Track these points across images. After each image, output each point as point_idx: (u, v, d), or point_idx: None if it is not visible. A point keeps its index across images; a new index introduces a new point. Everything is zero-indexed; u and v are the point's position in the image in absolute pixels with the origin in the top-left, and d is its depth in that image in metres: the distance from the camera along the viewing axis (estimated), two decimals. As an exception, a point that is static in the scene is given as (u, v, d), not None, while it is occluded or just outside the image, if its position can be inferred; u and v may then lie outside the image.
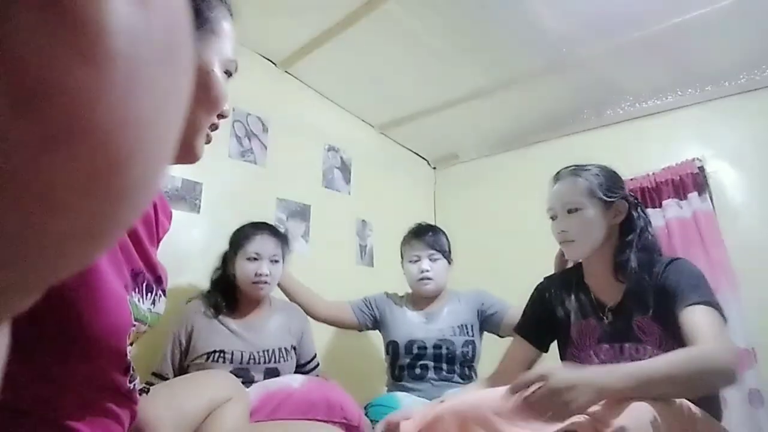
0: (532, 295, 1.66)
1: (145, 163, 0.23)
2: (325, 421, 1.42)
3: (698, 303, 1.20)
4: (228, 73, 0.73)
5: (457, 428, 1.06)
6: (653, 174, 2.59)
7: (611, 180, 1.50)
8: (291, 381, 1.62)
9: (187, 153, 0.72)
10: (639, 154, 2.71)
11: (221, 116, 0.75)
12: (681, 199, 2.48)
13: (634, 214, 1.47)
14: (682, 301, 1.23)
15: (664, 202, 2.52)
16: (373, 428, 1.69)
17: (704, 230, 2.37)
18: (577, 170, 1.51)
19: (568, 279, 1.59)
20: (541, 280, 1.68)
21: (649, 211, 2.57)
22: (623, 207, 1.46)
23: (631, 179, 2.66)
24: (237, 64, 0.74)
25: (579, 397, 0.97)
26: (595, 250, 1.44)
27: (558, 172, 1.56)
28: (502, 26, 2.23)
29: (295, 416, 1.42)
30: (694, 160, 2.50)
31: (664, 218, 2.52)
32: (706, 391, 1.13)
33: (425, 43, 2.37)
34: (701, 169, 2.49)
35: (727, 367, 1.07)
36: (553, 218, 1.52)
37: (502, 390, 1.05)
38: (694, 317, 1.18)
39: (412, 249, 2.13)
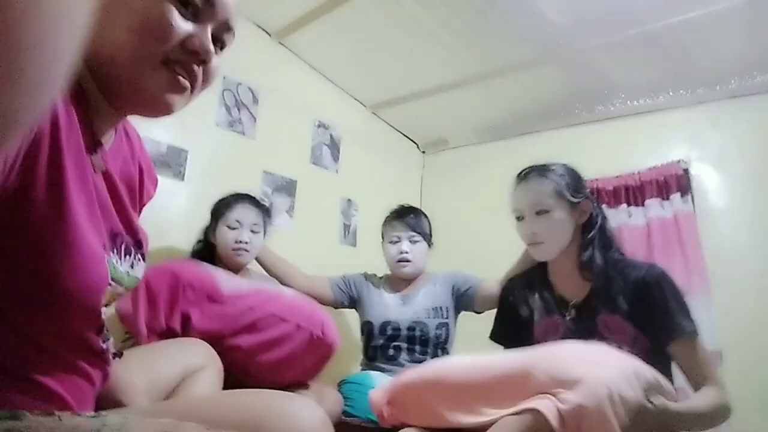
0: (499, 300, 1.69)
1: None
2: (303, 328, 1.47)
3: (691, 333, 1.25)
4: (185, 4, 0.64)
5: (430, 400, 1.08)
6: (638, 173, 2.62)
7: (576, 180, 1.51)
8: (283, 289, 1.73)
9: (138, 92, 0.65)
10: (627, 152, 2.74)
11: (192, 56, 0.66)
12: (664, 199, 2.52)
13: (594, 212, 1.49)
14: (675, 329, 1.25)
15: (647, 201, 2.56)
16: (345, 404, 1.71)
17: (684, 231, 2.41)
18: (542, 171, 1.50)
19: (531, 278, 1.60)
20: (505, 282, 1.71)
21: (632, 209, 2.61)
22: (588, 206, 1.47)
23: (617, 177, 2.69)
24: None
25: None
26: (564, 250, 1.45)
27: (522, 173, 1.55)
28: (501, 14, 2.21)
29: (280, 314, 1.47)
30: (679, 161, 2.53)
31: (646, 217, 2.55)
32: (711, 426, 1.19)
33: (422, 25, 2.34)
34: (686, 171, 2.52)
35: (729, 410, 1.20)
36: (519, 219, 1.52)
37: (472, 362, 1.07)
38: (694, 353, 1.23)
39: (393, 230, 2.13)
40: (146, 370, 1.03)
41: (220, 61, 0.73)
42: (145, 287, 1.41)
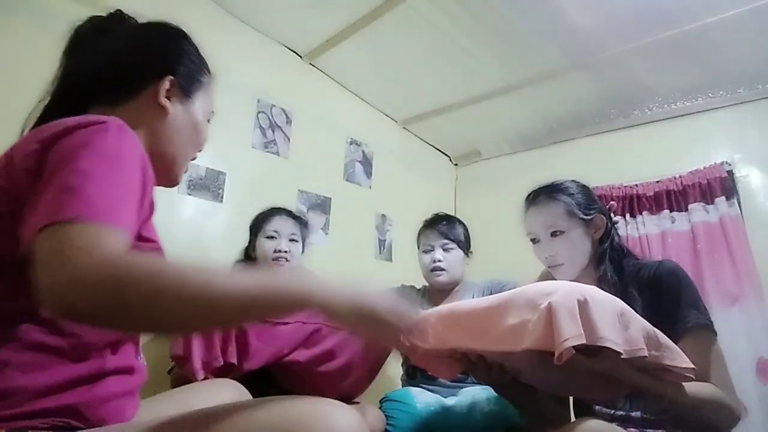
0: None
1: None
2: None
3: (701, 326, 1.18)
4: (208, 120, 0.96)
5: (440, 330, 1.11)
6: (680, 177, 2.54)
7: (587, 196, 1.46)
8: None
9: (172, 179, 0.93)
10: (666, 156, 2.66)
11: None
12: (708, 203, 2.43)
13: (608, 224, 1.44)
14: (685, 320, 1.19)
15: (690, 206, 2.48)
16: (387, 423, 1.69)
17: (731, 236, 2.32)
18: (551, 192, 1.46)
19: None
20: None
21: (675, 214, 2.53)
22: (601, 221, 1.43)
23: (657, 182, 2.62)
24: (213, 114, 0.98)
25: (621, 380, 1.01)
26: (584, 268, 1.41)
27: (531, 195, 1.51)
28: (530, 22, 2.20)
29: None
30: (722, 163, 2.45)
31: (690, 222, 2.47)
32: (703, 422, 1.12)
33: (450, 38, 2.35)
34: (730, 173, 2.44)
35: (735, 415, 1.13)
36: (534, 241, 1.49)
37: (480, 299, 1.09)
38: (702, 348, 1.15)
39: (426, 238, 2.10)
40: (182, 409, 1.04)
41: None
42: None
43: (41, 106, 0.85)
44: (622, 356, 0.90)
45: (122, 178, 0.64)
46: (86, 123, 0.67)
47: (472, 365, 1.18)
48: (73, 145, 0.64)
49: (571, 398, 1.39)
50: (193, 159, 0.97)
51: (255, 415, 0.63)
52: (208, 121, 0.97)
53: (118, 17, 0.92)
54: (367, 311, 0.73)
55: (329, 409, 0.64)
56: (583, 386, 1.14)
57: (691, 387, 1.07)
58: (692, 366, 1.00)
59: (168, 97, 0.86)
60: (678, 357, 1.01)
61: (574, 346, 0.86)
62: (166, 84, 0.86)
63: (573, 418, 1.33)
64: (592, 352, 1.00)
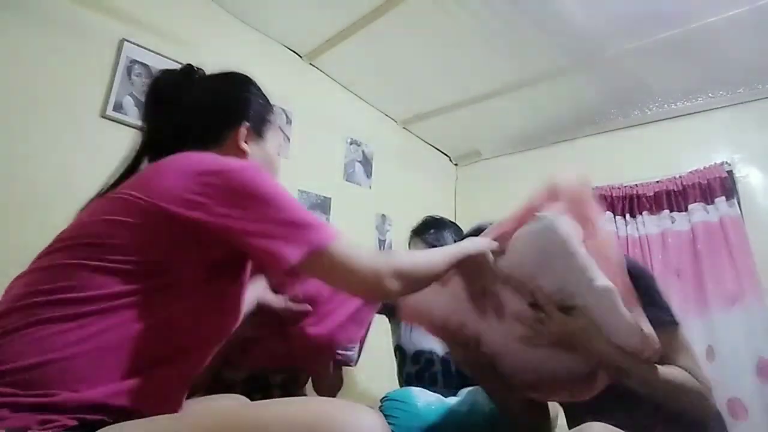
0: None
1: None
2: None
3: (670, 324, 1.18)
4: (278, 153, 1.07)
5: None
6: (680, 177, 2.55)
7: None
8: None
9: None
10: (666, 156, 2.67)
11: None
12: (708, 204, 2.43)
13: None
14: (659, 320, 1.18)
15: (690, 206, 2.48)
16: (388, 422, 1.68)
17: (731, 236, 2.32)
18: None
19: None
20: None
21: (675, 214, 2.53)
22: None
23: (657, 181, 2.62)
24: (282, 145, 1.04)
25: (592, 345, 1.08)
26: None
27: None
28: (530, 23, 2.20)
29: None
30: (722, 164, 2.45)
31: (690, 222, 2.47)
32: (688, 410, 1.13)
33: (451, 38, 2.35)
34: (730, 173, 2.44)
35: (713, 408, 1.17)
36: None
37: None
38: (673, 344, 1.16)
39: (414, 247, 2.07)
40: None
41: None
42: None
43: (135, 152, 0.96)
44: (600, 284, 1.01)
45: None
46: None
47: (451, 336, 1.22)
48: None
49: (562, 410, 1.39)
50: None
51: (278, 414, 0.65)
52: (278, 153, 1.09)
53: (189, 71, 1.04)
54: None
55: (353, 411, 0.65)
56: (559, 374, 1.17)
57: (663, 370, 1.09)
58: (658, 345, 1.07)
59: (246, 141, 0.99)
60: (646, 323, 1.08)
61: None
62: (243, 131, 0.99)
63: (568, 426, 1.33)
64: (569, 308, 1.08)
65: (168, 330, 0.76)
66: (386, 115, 3.10)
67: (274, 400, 0.70)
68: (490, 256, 1.09)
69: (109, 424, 0.66)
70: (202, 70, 1.06)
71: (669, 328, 1.16)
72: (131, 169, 0.94)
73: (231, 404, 0.72)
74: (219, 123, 0.99)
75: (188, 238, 0.77)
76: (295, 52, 2.59)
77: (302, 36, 2.50)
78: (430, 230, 2.08)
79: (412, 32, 2.34)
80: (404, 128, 3.21)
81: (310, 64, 2.64)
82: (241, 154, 0.98)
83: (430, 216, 2.19)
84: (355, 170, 2.82)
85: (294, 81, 2.58)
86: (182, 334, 0.78)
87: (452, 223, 2.18)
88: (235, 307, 0.90)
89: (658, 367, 1.10)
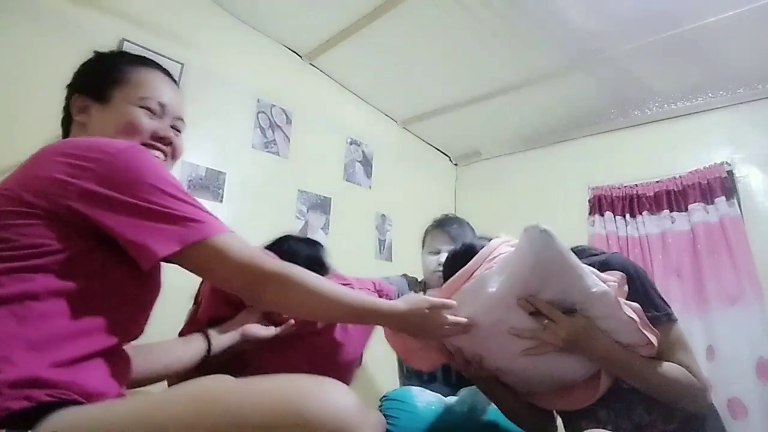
0: None
1: None
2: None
3: (666, 319, 1.17)
4: (148, 108, 0.97)
5: None
6: (680, 177, 2.55)
7: None
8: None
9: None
10: (666, 156, 2.66)
11: (159, 141, 0.99)
12: (708, 204, 2.43)
13: None
14: (655, 317, 1.17)
15: (690, 206, 2.48)
16: (387, 423, 1.68)
17: (731, 236, 2.32)
18: None
19: None
20: None
21: (675, 214, 2.53)
22: None
23: (657, 181, 2.62)
24: (156, 102, 0.99)
25: (595, 343, 1.09)
26: None
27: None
28: (530, 23, 2.20)
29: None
30: (722, 164, 2.45)
31: (690, 222, 2.47)
32: (683, 405, 1.14)
33: (450, 38, 2.35)
34: (730, 173, 2.44)
35: (708, 402, 1.18)
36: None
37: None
38: (669, 339, 1.16)
39: (434, 240, 2.05)
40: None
41: (181, 141, 1.05)
42: None
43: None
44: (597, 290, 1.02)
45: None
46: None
47: (450, 357, 1.22)
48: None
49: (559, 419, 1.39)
50: (161, 140, 1.04)
51: (253, 391, 0.64)
52: (148, 109, 1.00)
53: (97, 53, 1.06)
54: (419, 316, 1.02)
55: (325, 386, 0.65)
56: (565, 380, 1.17)
57: (659, 364, 1.10)
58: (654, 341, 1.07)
59: (84, 112, 0.98)
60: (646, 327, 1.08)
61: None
62: (78, 103, 0.99)
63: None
64: (568, 310, 1.09)
65: (84, 303, 0.74)
66: (386, 115, 3.10)
67: (245, 378, 0.69)
68: (440, 316, 1.05)
69: (57, 401, 0.64)
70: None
71: (665, 324, 1.16)
72: None
73: (200, 384, 0.70)
74: (67, 102, 1.01)
75: (63, 221, 0.75)
76: (295, 52, 2.59)
77: (302, 36, 2.50)
78: (454, 224, 2.05)
79: (412, 32, 2.34)
80: (404, 128, 3.21)
81: (310, 64, 2.64)
82: (82, 129, 0.96)
83: (450, 214, 2.17)
84: (355, 170, 2.82)
85: (294, 81, 2.58)
86: (97, 308, 0.76)
87: (469, 223, 2.15)
88: (150, 277, 0.85)
89: (655, 362, 1.11)
